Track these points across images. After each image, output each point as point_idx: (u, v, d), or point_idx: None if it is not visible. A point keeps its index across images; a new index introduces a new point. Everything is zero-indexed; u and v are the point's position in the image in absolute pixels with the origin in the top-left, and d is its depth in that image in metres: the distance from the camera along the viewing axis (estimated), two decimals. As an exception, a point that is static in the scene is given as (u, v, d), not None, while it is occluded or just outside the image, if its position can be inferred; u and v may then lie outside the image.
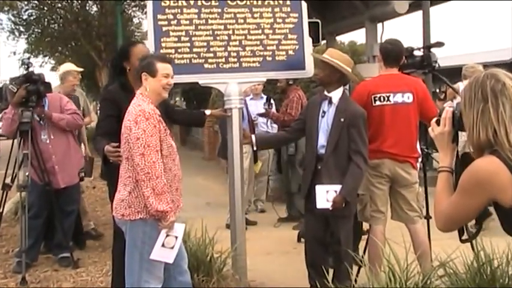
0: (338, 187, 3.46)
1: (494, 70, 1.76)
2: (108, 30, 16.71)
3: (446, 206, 1.81)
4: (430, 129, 1.97)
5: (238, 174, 3.81)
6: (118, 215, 2.90)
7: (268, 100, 6.11)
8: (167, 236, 2.86)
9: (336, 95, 3.59)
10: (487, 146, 1.72)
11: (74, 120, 4.81)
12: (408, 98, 3.81)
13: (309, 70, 3.94)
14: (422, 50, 4.26)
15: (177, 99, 21.32)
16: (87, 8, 18.24)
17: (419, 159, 4.11)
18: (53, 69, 23.68)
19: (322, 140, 3.57)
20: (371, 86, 3.91)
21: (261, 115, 6.08)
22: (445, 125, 1.89)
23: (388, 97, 3.81)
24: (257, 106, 6.34)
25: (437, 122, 1.93)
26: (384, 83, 3.88)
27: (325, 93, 3.62)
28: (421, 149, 4.15)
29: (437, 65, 4.23)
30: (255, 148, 3.95)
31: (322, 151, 3.56)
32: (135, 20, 20.31)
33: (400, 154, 3.81)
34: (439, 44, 4.25)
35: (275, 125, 6.54)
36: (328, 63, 3.54)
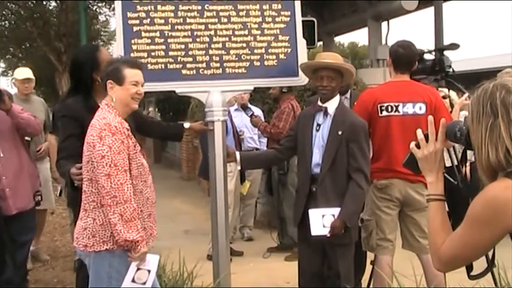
0: (336, 210, 3.48)
1: (505, 80, 1.74)
2: (70, 29, 16.68)
3: (449, 242, 1.77)
4: (412, 145, 1.94)
5: (221, 197, 3.80)
6: (80, 245, 2.89)
7: (246, 109, 6.16)
8: (138, 269, 2.85)
9: (332, 105, 3.63)
10: (498, 168, 1.67)
11: (35, 121, 4.75)
12: (420, 108, 3.86)
13: (303, 77, 3.96)
14: (433, 53, 4.33)
15: (151, 109, 21.31)
16: (45, 3, 18.14)
17: None
18: (4, 73, 23.57)
19: (316, 157, 3.61)
20: (378, 94, 3.96)
21: (250, 118, 6.10)
22: (437, 140, 1.88)
23: (396, 107, 3.86)
24: (243, 118, 6.40)
25: (426, 137, 1.90)
26: (393, 90, 3.93)
27: (320, 103, 3.66)
28: None
29: (451, 70, 4.28)
30: (238, 167, 3.97)
31: (316, 170, 3.59)
32: (101, 18, 20.32)
33: (412, 173, 3.84)
34: (454, 46, 4.30)
35: (264, 140, 6.57)
36: (339, 71, 3.58)
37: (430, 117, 1.92)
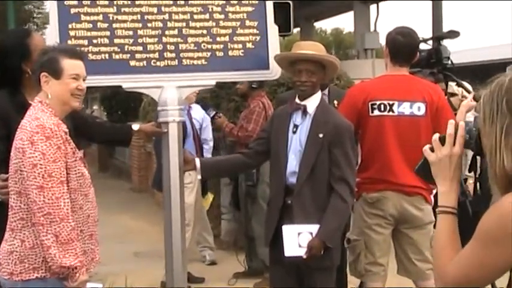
0: (315, 227, 3.49)
1: None
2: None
3: (456, 261, 1.77)
4: (426, 148, 1.95)
5: (177, 212, 3.79)
6: (5, 273, 2.84)
7: (207, 108, 6.15)
8: (76, 301, 2.82)
9: (312, 103, 3.65)
10: None
11: None
12: (419, 109, 3.90)
13: (275, 70, 3.98)
14: (430, 42, 4.38)
15: (95, 108, 21.16)
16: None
17: (434, 191, 4.17)
18: None
19: (292, 164, 3.61)
20: (369, 89, 3.99)
21: (212, 118, 6.09)
22: (455, 144, 1.87)
23: (391, 106, 3.89)
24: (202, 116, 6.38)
25: (442, 140, 1.90)
26: (388, 86, 3.96)
27: (297, 100, 3.67)
28: None
29: (449, 62, 4.35)
30: (199, 177, 3.95)
31: (292, 180, 3.60)
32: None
33: (409, 184, 3.86)
34: (453, 34, 4.36)
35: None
36: (321, 64, 3.60)
37: (451, 121, 1.92)
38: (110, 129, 4.30)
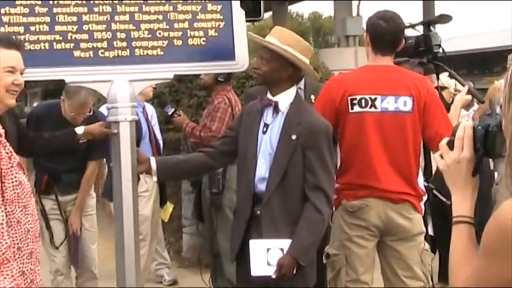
0: (286, 243, 3.48)
1: None
2: None
3: (466, 280, 1.79)
4: (436, 155, 1.99)
5: (130, 225, 3.76)
6: None
7: (165, 105, 6.14)
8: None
9: (284, 99, 3.64)
10: None
11: None
12: (405, 104, 3.92)
13: (241, 61, 3.97)
14: (419, 27, 4.40)
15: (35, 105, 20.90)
16: None
17: (425, 198, 4.19)
18: None
19: (262, 169, 3.61)
20: (349, 82, 4.00)
21: (171, 117, 6.07)
22: (463, 148, 1.90)
23: (373, 101, 3.90)
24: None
25: (450, 145, 1.94)
26: (369, 78, 3.98)
27: (269, 96, 3.67)
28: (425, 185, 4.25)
29: (440, 51, 4.38)
30: (155, 179, 3.89)
31: (261, 187, 3.60)
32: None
33: (394, 190, 3.90)
34: (445, 19, 4.39)
35: None
36: (275, 52, 3.58)
37: (465, 122, 1.94)
38: (50, 140, 4.29)
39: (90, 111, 5.07)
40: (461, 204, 1.93)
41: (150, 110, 6.43)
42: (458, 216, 1.92)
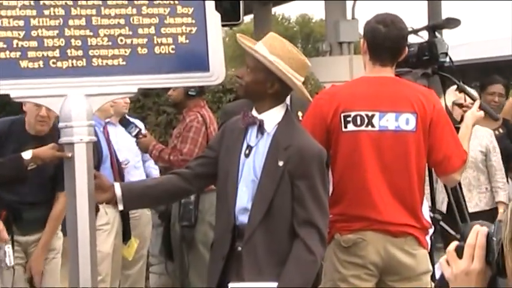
0: (271, 286, 3.44)
1: None
2: None
3: None
4: (442, 260, 1.95)
5: (87, 265, 3.70)
6: None
7: (128, 124, 6.12)
8: None
9: (271, 118, 3.63)
10: None
11: None
12: (407, 122, 3.92)
13: (217, 72, 3.97)
14: (423, 33, 4.40)
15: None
16: None
17: (431, 231, 4.19)
18: None
19: (244, 199, 3.61)
20: (342, 96, 4.02)
21: (135, 138, 6.04)
22: (473, 258, 1.87)
23: (370, 118, 3.91)
24: (120, 138, 6.35)
25: (459, 251, 1.91)
26: (366, 92, 4.00)
27: (254, 113, 3.64)
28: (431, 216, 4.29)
29: (447, 60, 4.39)
30: (120, 207, 3.82)
31: (243, 219, 3.59)
32: None
33: (395, 221, 3.91)
34: (452, 23, 4.41)
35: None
36: (262, 62, 3.56)
37: (478, 227, 1.88)
38: None
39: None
40: None
41: (140, 126, 6.44)
42: None
